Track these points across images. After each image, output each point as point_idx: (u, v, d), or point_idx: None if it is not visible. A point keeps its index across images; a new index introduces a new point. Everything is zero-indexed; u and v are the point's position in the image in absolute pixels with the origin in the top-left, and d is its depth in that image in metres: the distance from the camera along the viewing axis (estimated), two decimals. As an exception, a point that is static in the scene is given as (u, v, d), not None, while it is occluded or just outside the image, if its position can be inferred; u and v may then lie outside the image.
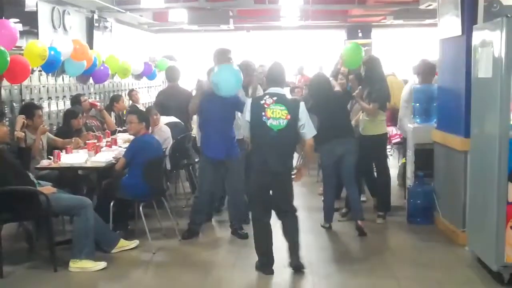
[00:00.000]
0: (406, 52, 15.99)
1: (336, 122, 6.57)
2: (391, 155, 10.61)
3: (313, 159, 5.97)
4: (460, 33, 6.20)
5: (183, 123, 8.26)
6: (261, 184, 5.43)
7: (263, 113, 5.31)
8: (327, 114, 6.60)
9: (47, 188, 5.69)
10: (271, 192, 5.46)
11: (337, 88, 6.93)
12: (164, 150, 6.91)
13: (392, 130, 9.04)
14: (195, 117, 7.24)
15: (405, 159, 8.03)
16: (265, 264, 5.49)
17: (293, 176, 5.63)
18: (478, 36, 5.44)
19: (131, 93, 11.39)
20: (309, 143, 5.48)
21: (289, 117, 5.30)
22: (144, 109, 8.87)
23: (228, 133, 6.52)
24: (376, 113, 7.08)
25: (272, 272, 5.43)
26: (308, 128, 5.40)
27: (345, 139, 6.66)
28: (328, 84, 6.88)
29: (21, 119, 6.20)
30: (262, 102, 5.37)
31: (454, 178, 6.38)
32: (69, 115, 7.75)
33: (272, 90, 5.49)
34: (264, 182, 5.40)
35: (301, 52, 17.17)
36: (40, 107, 7.20)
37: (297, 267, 5.48)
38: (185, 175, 8.78)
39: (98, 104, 9.01)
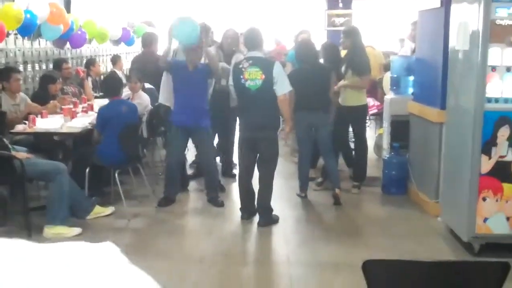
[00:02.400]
0: (387, 23, 15.97)
1: (312, 94, 6.51)
2: (368, 126, 10.67)
3: (290, 117, 6.11)
4: (439, 5, 6.20)
5: (155, 89, 8.18)
6: (247, 138, 5.99)
7: (241, 76, 5.86)
8: (306, 84, 6.51)
9: (21, 154, 5.64)
10: (257, 145, 5.98)
11: None
12: (141, 117, 6.87)
13: (369, 102, 9.08)
14: None
15: (382, 130, 8.08)
16: (244, 208, 6.15)
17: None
18: (456, 9, 5.44)
19: (117, 59, 11.17)
20: (280, 99, 5.86)
21: (263, 77, 5.80)
22: (124, 76, 8.78)
23: (198, 102, 6.50)
24: (367, 84, 7.17)
25: (247, 218, 6.09)
26: (280, 85, 5.83)
27: (317, 111, 6.64)
28: (316, 54, 6.90)
29: (-6, 83, 6.11)
30: (240, 66, 5.90)
31: (429, 150, 6.44)
32: (46, 79, 7.64)
33: (249, 54, 6.05)
34: (249, 136, 5.95)
35: (281, 21, 17.05)
36: (18, 71, 7.09)
37: (265, 225, 5.96)
38: (161, 143, 8.75)
39: (82, 73, 8.88)
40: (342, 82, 7.02)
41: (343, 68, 7.15)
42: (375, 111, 9.30)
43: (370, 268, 2.28)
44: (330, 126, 6.79)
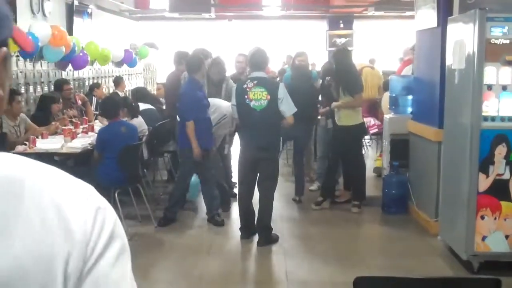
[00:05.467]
0: (387, 43, 16.05)
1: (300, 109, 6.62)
2: (369, 145, 10.70)
3: None
4: (436, 24, 6.25)
5: (155, 110, 8.22)
6: (248, 158, 5.96)
7: (246, 96, 5.86)
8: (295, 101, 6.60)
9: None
10: (258, 165, 5.96)
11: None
12: (140, 138, 6.90)
13: (370, 121, 9.11)
14: None
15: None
16: (244, 228, 6.13)
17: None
18: (452, 28, 5.50)
19: (119, 81, 11.28)
20: (289, 121, 5.93)
21: (269, 97, 5.81)
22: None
23: (206, 124, 6.53)
24: (361, 102, 7.21)
25: (247, 237, 6.07)
26: (286, 106, 5.85)
27: (300, 126, 6.87)
28: (309, 76, 7.15)
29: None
30: (245, 86, 5.90)
31: (428, 169, 6.46)
32: (48, 100, 7.68)
33: (254, 74, 6.00)
34: (251, 156, 5.93)
35: (283, 42, 17.13)
36: (18, 93, 7.15)
37: (264, 244, 5.93)
38: (163, 163, 8.78)
39: (80, 100, 8.93)
40: (335, 103, 7.08)
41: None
42: (375, 130, 9.31)
43: (361, 285, 2.29)
44: (306, 139, 7.63)
